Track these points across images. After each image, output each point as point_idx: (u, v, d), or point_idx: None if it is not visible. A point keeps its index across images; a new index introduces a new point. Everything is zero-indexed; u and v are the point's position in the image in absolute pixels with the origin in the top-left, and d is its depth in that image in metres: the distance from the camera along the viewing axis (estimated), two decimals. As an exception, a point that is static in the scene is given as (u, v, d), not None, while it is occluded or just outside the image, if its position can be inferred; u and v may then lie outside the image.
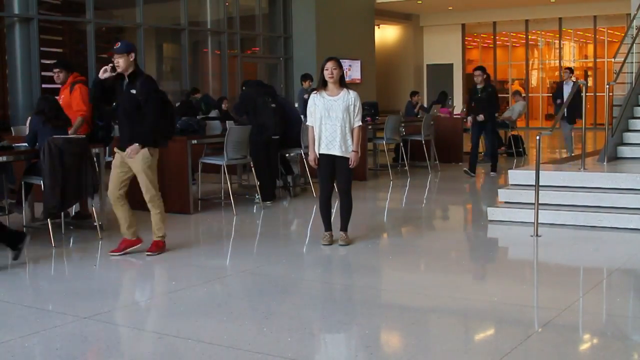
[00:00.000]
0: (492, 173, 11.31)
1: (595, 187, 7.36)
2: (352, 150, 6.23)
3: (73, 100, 7.37)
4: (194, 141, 8.12)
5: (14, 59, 12.78)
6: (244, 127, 8.45)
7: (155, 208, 6.13)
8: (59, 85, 7.67)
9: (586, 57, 25.16)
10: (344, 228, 6.39)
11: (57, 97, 7.31)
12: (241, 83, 11.85)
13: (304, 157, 8.95)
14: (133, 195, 8.33)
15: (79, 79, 7.58)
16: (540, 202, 6.83)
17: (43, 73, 12.31)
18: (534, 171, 6.94)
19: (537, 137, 7.01)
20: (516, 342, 3.94)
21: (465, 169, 11.27)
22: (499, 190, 7.89)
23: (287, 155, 9.62)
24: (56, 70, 7.59)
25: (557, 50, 24.32)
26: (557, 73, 24.09)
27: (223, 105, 13.16)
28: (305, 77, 12.86)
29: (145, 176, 6.00)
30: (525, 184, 7.61)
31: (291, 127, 9.21)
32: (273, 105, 8.79)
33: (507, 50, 25.35)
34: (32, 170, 6.79)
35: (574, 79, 12.47)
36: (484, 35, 25.44)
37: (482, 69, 11.22)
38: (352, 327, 4.35)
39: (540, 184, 6.92)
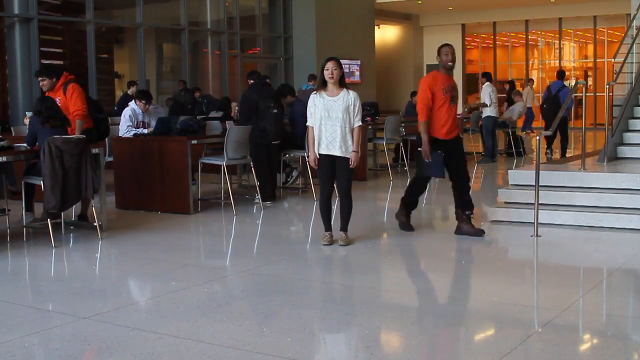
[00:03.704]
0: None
1: (595, 187, 7.35)
2: (352, 151, 6.23)
3: (70, 101, 7.28)
4: (194, 141, 8.11)
5: (14, 59, 12.78)
6: (244, 127, 8.43)
7: None
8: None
9: (586, 57, 25.15)
10: (344, 228, 6.38)
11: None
12: (248, 73, 11.66)
13: (306, 158, 8.92)
14: (134, 195, 8.39)
15: (70, 78, 7.48)
16: (540, 202, 6.82)
17: (43, 73, 12.30)
18: (534, 171, 6.95)
19: (537, 137, 7.01)
20: (516, 342, 3.94)
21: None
22: (499, 190, 7.89)
23: (286, 155, 9.60)
24: (40, 79, 7.46)
25: (557, 51, 24.32)
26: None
27: (234, 110, 12.68)
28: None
29: None
30: (525, 184, 7.61)
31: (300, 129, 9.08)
32: (275, 111, 8.68)
33: (507, 50, 25.35)
34: (32, 170, 6.79)
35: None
36: (484, 36, 25.44)
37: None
38: (352, 327, 4.35)
39: (540, 184, 6.92)
